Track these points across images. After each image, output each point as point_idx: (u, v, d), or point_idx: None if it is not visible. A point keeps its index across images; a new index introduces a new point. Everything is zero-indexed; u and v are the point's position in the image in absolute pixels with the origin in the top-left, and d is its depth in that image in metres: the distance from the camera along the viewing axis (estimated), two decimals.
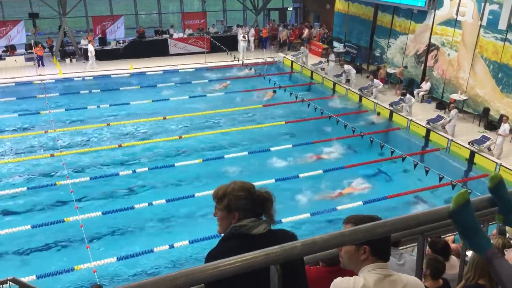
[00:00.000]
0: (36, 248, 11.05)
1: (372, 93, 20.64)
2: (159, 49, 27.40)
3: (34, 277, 9.64)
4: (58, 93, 21.70)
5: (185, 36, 28.48)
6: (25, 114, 19.15)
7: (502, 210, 1.98)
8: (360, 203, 12.73)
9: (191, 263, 10.55)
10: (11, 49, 26.16)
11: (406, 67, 21.35)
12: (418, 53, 21.10)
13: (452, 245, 6.34)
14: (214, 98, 21.36)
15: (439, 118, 17.48)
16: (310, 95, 22.05)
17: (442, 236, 6.16)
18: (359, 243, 2.13)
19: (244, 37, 27.36)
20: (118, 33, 28.38)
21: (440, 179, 13.54)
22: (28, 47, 26.38)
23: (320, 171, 14.43)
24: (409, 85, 21.12)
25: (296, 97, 20.68)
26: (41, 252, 10.98)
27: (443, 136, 16.68)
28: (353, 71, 22.47)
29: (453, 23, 19.01)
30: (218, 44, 27.04)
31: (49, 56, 26.43)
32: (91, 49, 24.64)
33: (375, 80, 20.63)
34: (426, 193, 13.56)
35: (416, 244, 6.26)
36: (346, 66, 22.63)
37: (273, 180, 13.61)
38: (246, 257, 1.53)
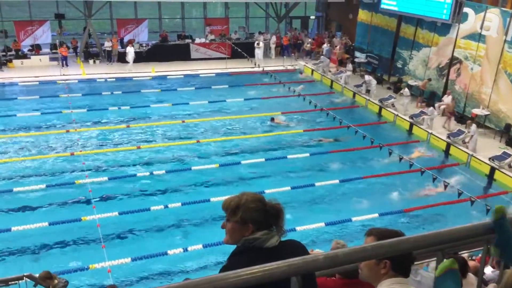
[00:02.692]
0: (52, 246, 11.19)
1: (393, 105, 20.55)
2: (181, 53, 27.66)
3: None
4: (80, 93, 22.04)
5: (207, 41, 28.70)
6: (48, 112, 19.47)
7: (500, 244, 1.96)
8: (376, 215, 12.62)
9: (204, 268, 10.57)
10: (36, 49, 26.68)
11: (430, 79, 21.14)
12: (440, 66, 20.90)
13: (471, 263, 6.24)
14: (233, 104, 21.44)
15: (460, 132, 17.27)
16: (329, 104, 21.97)
17: (460, 253, 6.08)
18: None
19: (258, 44, 27.40)
20: (141, 37, 28.72)
21: (459, 194, 13.35)
22: (53, 47, 26.84)
23: (337, 181, 14.37)
24: (430, 98, 20.91)
25: (315, 106, 20.64)
26: (57, 249, 11.12)
27: (463, 150, 16.47)
28: (374, 81, 22.33)
29: (477, 37, 18.80)
30: (239, 50, 27.17)
31: (73, 56, 26.85)
32: (130, 50, 25.30)
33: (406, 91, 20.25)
34: (444, 208, 13.38)
35: (429, 259, 6.17)
36: (367, 77, 22.50)
37: (289, 188, 13.61)
38: (268, 267, 1.54)
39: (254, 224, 2.36)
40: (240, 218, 2.37)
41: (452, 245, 2.80)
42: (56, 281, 7.10)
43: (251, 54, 27.37)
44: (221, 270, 2.29)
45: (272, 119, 19.26)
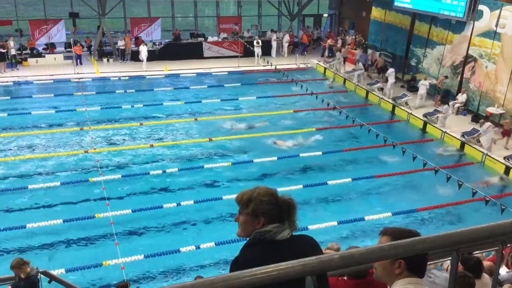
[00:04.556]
0: (66, 242, 11.30)
1: (406, 103, 20.41)
2: (194, 51, 27.75)
3: (63, 270, 9.86)
4: (94, 91, 22.22)
5: (220, 40, 28.74)
6: (62, 110, 19.66)
7: None
8: (389, 214, 12.55)
9: (216, 265, 10.61)
10: (51, 47, 26.94)
11: (446, 76, 20.92)
12: (454, 64, 20.69)
13: (485, 263, 6.17)
14: (245, 102, 21.46)
15: (474, 131, 17.08)
16: (343, 102, 21.87)
17: (474, 253, 6.01)
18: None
19: (257, 42, 27.34)
20: (154, 35, 28.85)
21: (474, 193, 13.21)
22: (67, 45, 27.13)
23: (349, 179, 14.32)
24: (444, 96, 20.72)
25: (328, 104, 20.57)
26: (71, 246, 11.23)
27: (477, 149, 16.30)
28: (393, 79, 21.90)
29: (492, 35, 18.57)
30: (251, 48, 27.17)
31: (87, 55, 27.08)
32: (143, 49, 25.42)
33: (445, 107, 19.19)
34: (458, 207, 13.26)
35: (443, 259, 6.11)
36: (391, 69, 22.23)
37: (301, 186, 13.59)
38: (283, 266, 1.53)
39: (265, 217, 2.39)
40: (252, 210, 2.41)
41: (468, 245, 2.78)
42: (28, 269, 7.17)
43: (264, 53, 27.36)
44: (233, 261, 2.31)
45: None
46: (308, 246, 2.42)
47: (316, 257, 1.59)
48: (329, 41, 28.65)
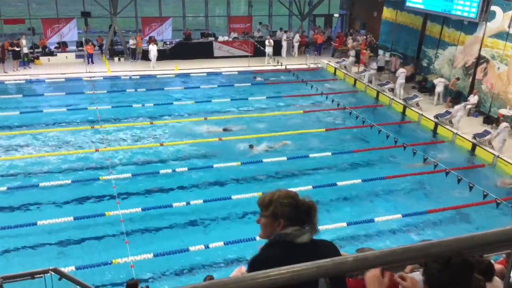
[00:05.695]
0: (77, 240, 11.39)
1: (417, 104, 20.31)
2: (204, 51, 27.81)
3: (73, 267, 9.92)
4: (105, 90, 22.35)
5: (230, 39, 28.76)
6: (73, 109, 19.81)
7: None
8: (399, 216, 12.49)
9: (225, 265, 10.63)
10: (62, 46, 27.16)
11: (458, 78, 20.77)
12: (466, 65, 20.54)
13: (497, 266, 6.11)
14: (255, 102, 21.46)
15: (486, 133, 16.94)
16: (353, 102, 21.81)
17: (484, 256, 5.96)
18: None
19: (269, 42, 27.33)
20: (165, 34, 28.95)
21: (485, 196, 13.10)
22: (79, 44, 27.33)
23: (359, 180, 14.26)
24: (456, 97, 20.56)
25: (338, 105, 20.51)
26: (81, 243, 11.31)
27: (489, 151, 16.16)
28: (402, 79, 21.76)
29: (504, 36, 18.40)
30: (262, 48, 27.17)
31: (98, 54, 27.24)
32: (152, 48, 25.53)
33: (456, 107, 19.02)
34: (469, 209, 13.16)
35: None
36: (401, 69, 22.08)
37: (310, 187, 13.56)
38: (297, 268, 1.54)
39: (285, 219, 2.42)
40: (271, 212, 2.44)
41: (481, 248, 2.76)
42: None
43: (274, 52, 27.36)
44: (252, 260, 2.34)
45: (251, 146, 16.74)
46: (328, 250, 2.44)
47: (330, 259, 1.59)
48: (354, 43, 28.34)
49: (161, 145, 16.63)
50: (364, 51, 26.44)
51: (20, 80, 23.16)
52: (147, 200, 13.10)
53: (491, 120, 18.46)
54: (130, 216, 12.06)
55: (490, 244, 1.79)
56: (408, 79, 22.87)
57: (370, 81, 23.71)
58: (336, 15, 33.93)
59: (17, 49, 24.27)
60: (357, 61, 26.17)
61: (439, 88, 20.54)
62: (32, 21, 28.14)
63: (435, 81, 20.93)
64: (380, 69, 24.53)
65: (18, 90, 22.12)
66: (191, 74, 25.08)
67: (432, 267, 2.02)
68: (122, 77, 24.25)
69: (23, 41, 25.00)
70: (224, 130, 18.20)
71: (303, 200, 2.51)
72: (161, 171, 14.60)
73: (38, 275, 7.36)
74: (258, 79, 24.55)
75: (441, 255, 1.89)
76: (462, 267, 2.00)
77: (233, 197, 12.79)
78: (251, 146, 16.63)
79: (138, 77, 24.40)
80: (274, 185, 13.84)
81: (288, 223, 2.42)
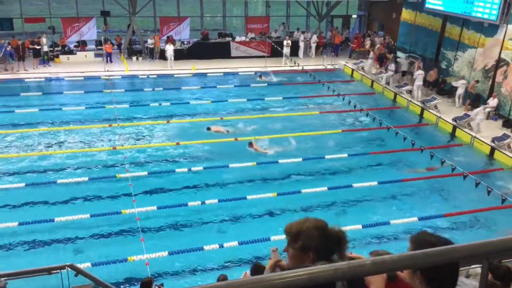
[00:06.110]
0: (93, 237, 11.50)
1: (435, 107, 20.07)
2: (221, 51, 27.90)
3: (89, 264, 10.02)
4: (123, 89, 22.57)
5: (247, 39, 28.80)
6: (92, 107, 20.03)
7: None
8: (415, 219, 12.36)
9: (239, 265, 10.63)
10: (82, 45, 27.49)
11: (478, 81, 20.48)
12: (486, 67, 20.24)
13: None
14: (272, 102, 21.45)
15: (505, 136, 16.68)
16: (370, 104, 21.64)
17: (503, 261, 5.87)
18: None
19: (287, 43, 27.27)
20: (183, 34, 29.11)
21: (503, 200, 12.90)
22: (98, 43, 27.62)
23: (375, 183, 14.14)
24: (475, 100, 20.28)
25: (355, 106, 20.39)
26: (97, 240, 11.42)
27: (508, 155, 15.90)
28: (420, 81, 21.53)
29: None
30: (279, 48, 27.15)
31: (117, 53, 27.52)
32: (168, 48, 25.72)
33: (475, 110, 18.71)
34: (487, 214, 12.96)
35: (470, 267, 5.97)
36: (419, 71, 21.86)
37: (325, 188, 13.50)
38: (314, 270, 1.52)
39: (314, 252, 2.37)
40: (301, 247, 2.39)
41: (500, 253, 2.71)
42: None
43: (291, 53, 27.31)
44: None
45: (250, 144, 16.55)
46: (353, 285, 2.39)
47: (347, 262, 1.58)
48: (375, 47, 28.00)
49: (177, 144, 16.71)
50: (388, 55, 26.12)
51: (40, 78, 23.50)
52: (162, 198, 13.17)
53: (510, 123, 18.15)
54: (146, 214, 12.14)
55: (508, 251, 1.76)
56: (432, 84, 22.61)
57: (387, 83, 23.52)
58: (354, 16, 33.74)
59: (37, 47, 24.66)
60: (380, 64, 25.87)
61: (461, 90, 20.27)
62: (52, 20, 28.52)
63: (457, 83, 20.64)
64: (403, 73, 24.29)
65: (38, 88, 22.45)
66: (208, 74, 25.16)
67: None
68: (140, 76, 24.46)
69: (44, 40, 25.37)
70: (226, 131, 18.08)
71: (333, 230, 2.46)
72: (177, 170, 14.67)
73: (54, 271, 7.46)
74: (263, 78, 24.53)
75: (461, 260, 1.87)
76: None
77: (248, 197, 12.80)
78: (250, 144, 16.51)
79: (156, 76, 24.57)
80: (288, 187, 13.81)
81: (317, 256, 2.37)
